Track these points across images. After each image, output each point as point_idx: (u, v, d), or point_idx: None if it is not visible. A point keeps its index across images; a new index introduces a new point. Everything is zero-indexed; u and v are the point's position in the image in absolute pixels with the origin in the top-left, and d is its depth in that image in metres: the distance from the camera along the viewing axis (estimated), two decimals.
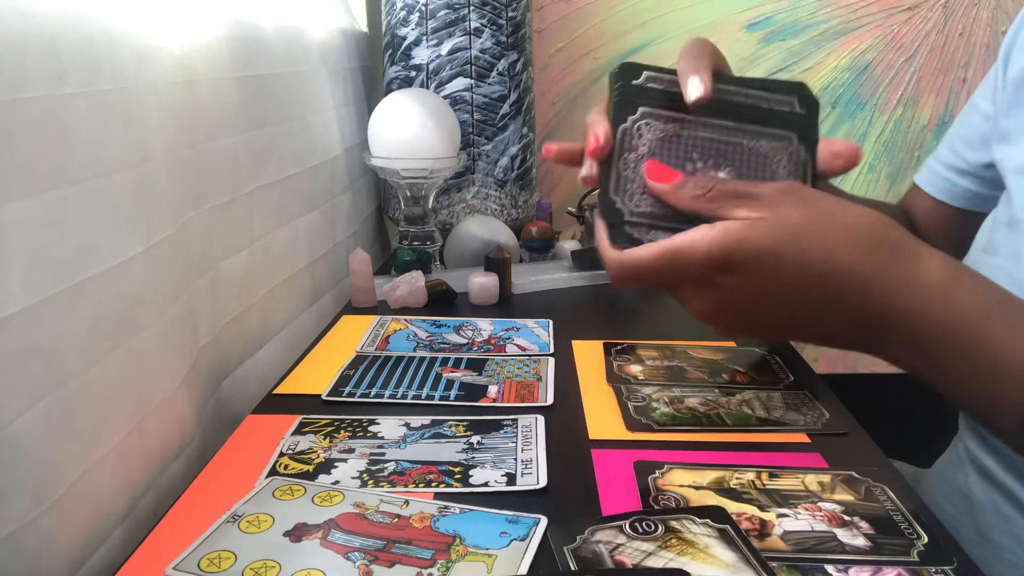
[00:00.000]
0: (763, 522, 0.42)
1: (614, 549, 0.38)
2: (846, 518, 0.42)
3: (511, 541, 0.40)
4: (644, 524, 0.40)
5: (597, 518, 0.41)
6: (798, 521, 0.42)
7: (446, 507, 0.43)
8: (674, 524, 0.40)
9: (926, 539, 0.40)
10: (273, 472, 0.47)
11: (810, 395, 0.59)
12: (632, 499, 0.44)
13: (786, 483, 0.46)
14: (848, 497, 0.44)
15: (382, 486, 0.46)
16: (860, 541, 0.40)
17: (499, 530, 0.41)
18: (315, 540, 0.40)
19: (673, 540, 0.39)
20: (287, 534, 0.40)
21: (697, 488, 0.45)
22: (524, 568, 0.38)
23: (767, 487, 0.45)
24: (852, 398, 0.60)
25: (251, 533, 0.40)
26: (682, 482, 0.46)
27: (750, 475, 0.47)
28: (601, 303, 0.84)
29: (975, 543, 0.55)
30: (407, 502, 0.43)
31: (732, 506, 0.43)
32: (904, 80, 1.31)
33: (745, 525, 0.41)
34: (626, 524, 0.40)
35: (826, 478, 0.46)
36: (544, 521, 0.42)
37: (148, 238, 0.46)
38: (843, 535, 0.41)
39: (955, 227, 0.66)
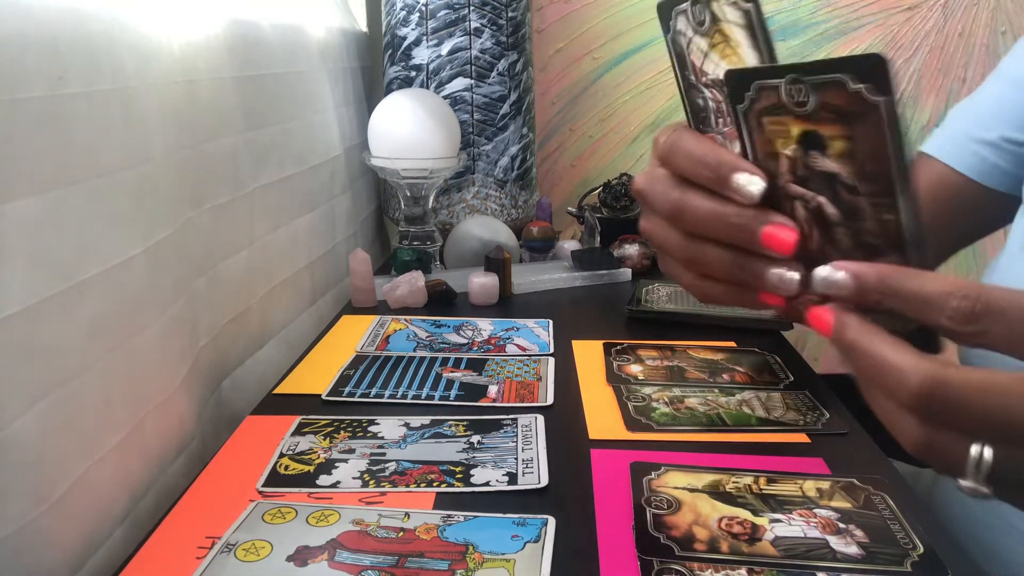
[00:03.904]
0: (754, 527, 0.42)
1: (688, 44, 0.39)
2: (841, 525, 0.42)
3: (525, 544, 0.40)
4: (698, 11, 0.38)
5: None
6: (791, 527, 0.42)
7: (449, 515, 0.43)
8: (715, 8, 0.38)
9: (922, 549, 0.40)
10: (274, 473, 0.47)
11: (810, 395, 0.59)
12: (627, 501, 0.44)
13: (784, 488, 0.46)
14: (846, 504, 0.44)
15: (383, 486, 0.46)
16: (853, 549, 0.40)
17: (509, 534, 0.41)
18: (322, 562, 0.38)
19: (717, 35, 0.38)
20: (290, 559, 0.39)
21: (692, 491, 0.45)
22: (546, 570, 0.38)
23: (764, 491, 0.45)
24: (852, 398, 0.60)
25: (251, 562, 0.39)
26: (677, 484, 0.46)
27: (748, 479, 0.46)
28: (601, 303, 0.84)
29: (986, 529, 0.55)
30: (407, 514, 0.43)
31: (725, 509, 0.43)
32: (904, 80, 1.31)
33: (736, 529, 0.41)
34: (689, 9, 0.39)
35: (825, 484, 0.46)
36: (552, 521, 0.42)
37: (148, 238, 0.46)
38: (836, 543, 0.40)
39: (973, 204, 0.64)
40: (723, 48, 0.38)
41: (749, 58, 0.37)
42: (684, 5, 0.39)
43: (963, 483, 0.29)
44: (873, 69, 0.31)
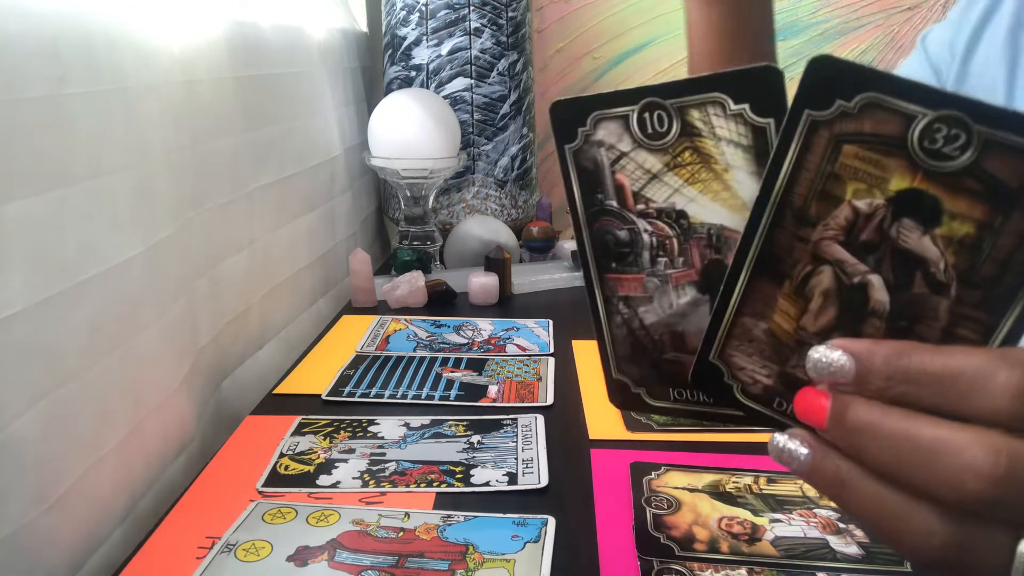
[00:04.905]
0: (754, 527, 0.42)
1: (616, 160, 0.31)
2: (840, 525, 0.42)
3: (525, 544, 0.40)
4: (656, 118, 0.30)
5: (602, 98, 0.31)
6: (791, 527, 0.42)
7: (449, 515, 0.43)
8: (695, 117, 0.29)
9: None
10: (274, 473, 0.47)
11: None
12: (628, 500, 0.44)
13: (784, 488, 0.46)
14: None
15: (383, 486, 0.46)
16: (853, 549, 0.40)
17: (509, 534, 0.41)
18: (322, 562, 0.39)
19: (687, 153, 0.30)
20: (290, 559, 0.39)
21: (692, 491, 0.45)
22: (546, 570, 0.38)
23: (764, 491, 0.45)
24: None
25: (251, 562, 0.39)
26: (677, 484, 0.46)
27: (747, 479, 0.46)
28: None
29: None
30: (407, 514, 0.43)
31: (725, 509, 0.43)
32: None
33: (736, 529, 0.41)
34: (634, 116, 0.30)
35: None
36: (552, 521, 0.42)
37: (148, 238, 0.46)
38: (836, 542, 0.40)
39: None
40: (697, 170, 0.30)
41: (743, 187, 0.29)
42: (623, 109, 0.30)
43: None
44: None
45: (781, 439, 0.26)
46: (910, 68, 0.64)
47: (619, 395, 0.33)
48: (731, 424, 0.35)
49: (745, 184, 0.29)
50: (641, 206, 0.31)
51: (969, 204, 0.24)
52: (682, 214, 0.30)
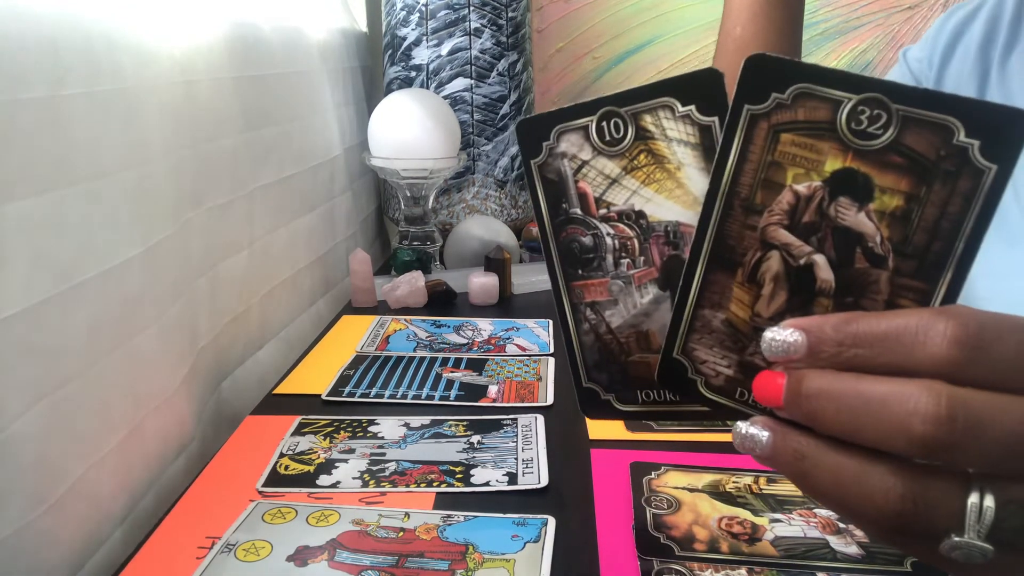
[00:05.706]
0: (754, 526, 0.42)
1: (579, 169, 0.32)
2: (841, 525, 0.42)
3: (525, 544, 0.40)
4: (613, 125, 0.32)
5: (563, 112, 0.32)
6: (791, 527, 0.42)
7: (449, 515, 0.43)
8: (648, 121, 0.31)
9: None
10: (274, 473, 0.47)
11: None
12: (627, 501, 0.44)
13: (784, 488, 0.46)
14: None
15: (383, 486, 0.46)
16: (853, 549, 0.40)
17: (509, 534, 0.41)
18: (322, 562, 0.39)
19: (642, 156, 0.32)
20: (290, 559, 0.39)
21: (692, 491, 0.45)
22: (546, 570, 0.38)
23: (764, 491, 0.45)
24: None
25: (251, 562, 0.39)
26: (677, 484, 0.46)
27: (747, 479, 0.46)
28: None
29: None
30: (407, 514, 0.43)
31: (725, 509, 0.43)
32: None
33: (736, 529, 0.41)
34: (592, 125, 0.32)
35: None
36: (552, 521, 0.42)
37: (148, 238, 0.46)
38: (836, 542, 0.40)
39: None
40: (652, 171, 0.31)
41: (694, 183, 0.31)
42: (583, 120, 0.31)
43: (957, 541, 0.24)
44: (1010, 128, 0.25)
45: (743, 426, 0.27)
46: (894, 78, 0.68)
47: (590, 404, 0.34)
48: (697, 420, 0.35)
49: (696, 180, 0.31)
50: (603, 211, 0.32)
51: (896, 178, 0.27)
52: (641, 214, 0.32)
